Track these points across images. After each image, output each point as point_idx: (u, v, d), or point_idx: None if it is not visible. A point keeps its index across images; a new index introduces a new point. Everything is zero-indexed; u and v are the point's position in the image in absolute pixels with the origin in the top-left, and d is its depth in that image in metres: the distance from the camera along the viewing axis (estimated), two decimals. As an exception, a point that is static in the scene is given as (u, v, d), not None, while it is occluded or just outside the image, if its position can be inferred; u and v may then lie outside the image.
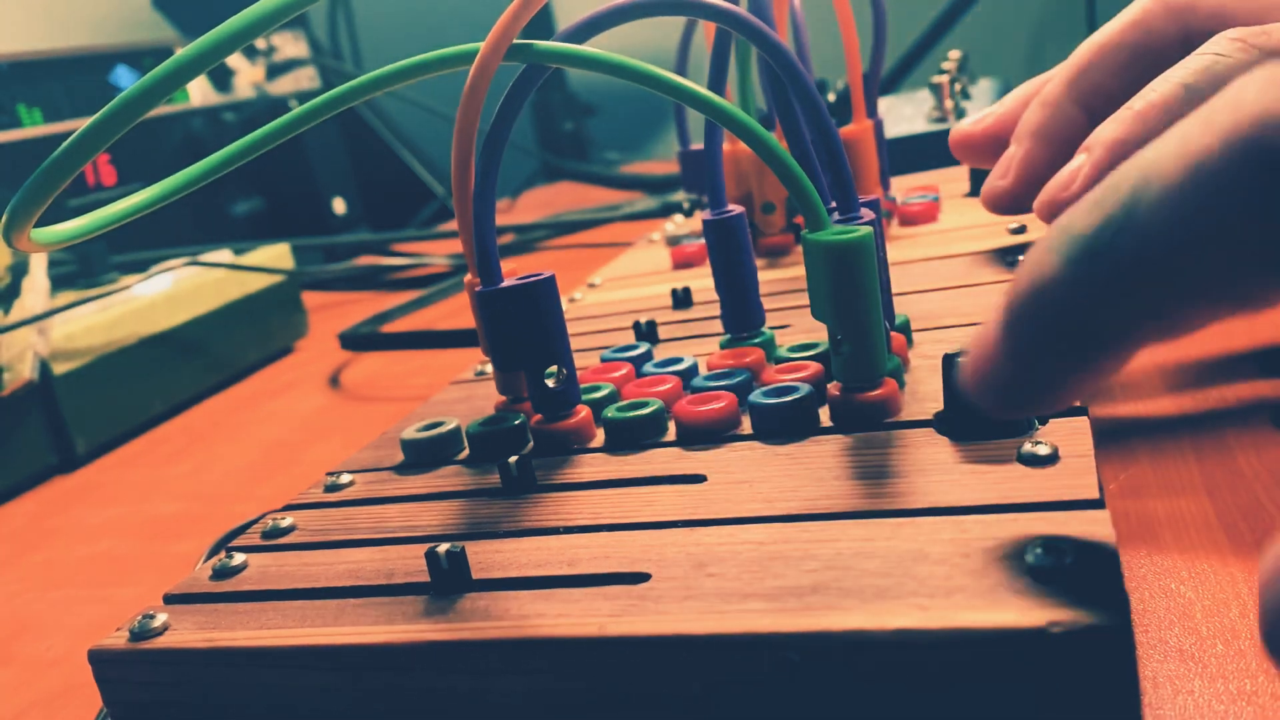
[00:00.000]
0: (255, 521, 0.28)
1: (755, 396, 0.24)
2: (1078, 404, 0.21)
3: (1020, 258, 0.17)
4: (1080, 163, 0.27)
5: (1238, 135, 0.13)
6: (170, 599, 0.23)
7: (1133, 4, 0.30)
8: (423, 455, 0.28)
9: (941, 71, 0.63)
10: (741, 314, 0.29)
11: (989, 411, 0.18)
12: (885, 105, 0.70)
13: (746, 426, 0.25)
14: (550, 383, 0.26)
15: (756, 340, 0.29)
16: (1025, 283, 0.16)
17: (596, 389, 0.28)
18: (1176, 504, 0.25)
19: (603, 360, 0.31)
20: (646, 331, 0.34)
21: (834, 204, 0.25)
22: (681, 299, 0.38)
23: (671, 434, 0.25)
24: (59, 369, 0.48)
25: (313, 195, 0.95)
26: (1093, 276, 0.15)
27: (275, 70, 0.96)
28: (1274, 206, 0.13)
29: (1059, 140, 0.31)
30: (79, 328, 0.50)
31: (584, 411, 0.26)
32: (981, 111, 0.38)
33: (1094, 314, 0.15)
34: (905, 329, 0.28)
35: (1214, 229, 0.13)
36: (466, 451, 0.28)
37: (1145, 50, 0.30)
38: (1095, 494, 0.18)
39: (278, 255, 0.64)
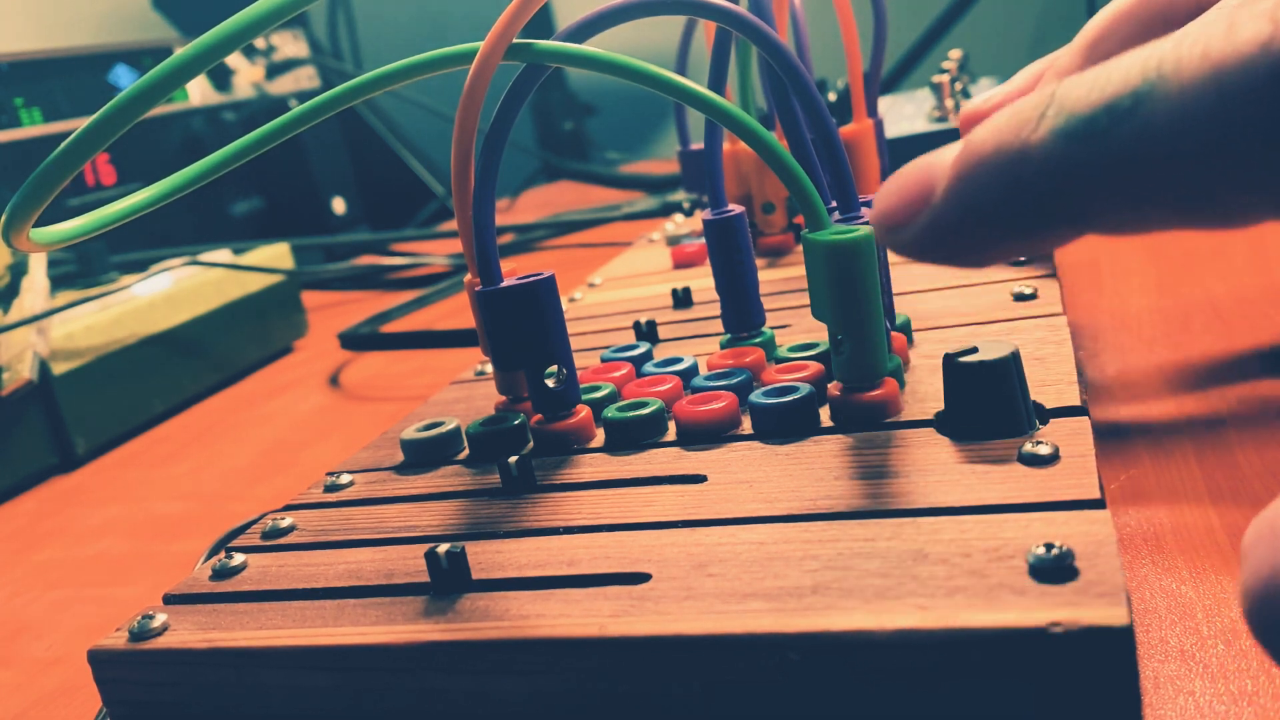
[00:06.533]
0: (255, 521, 0.28)
1: (755, 396, 0.24)
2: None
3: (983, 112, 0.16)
4: None
5: (1265, 50, 0.12)
6: (170, 599, 0.23)
7: None
8: (423, 455, 0.28)
9: (942, 71, 0.63)
10: (741, 314, 0.29)
11: (897, 250, 0.17)
12: (885, 105, 0.70)
13: (746, 426, 0.25)
14: (550, 383, 0.26)
15: (756, 340, 0.29)
16: (1003, 140, 0.15)
17: (596, 389, 0.28)
18: (1177, 503, 0.25)
19: (603, 360, 0.31)
20: (646, 331, 0.34)
21: (834, 204, 0.25)
22: (681, 299, 0.38)
23: (671, 434, 0.25)
24: (59, 369, 0.48)
25: (313, 195, 0.95)
26: (1081, 157, 0.14)
27: (275, 70, 0.96)
28: None
29: None
30: (79, 328, 0.50)
31: (584, 411, 0.26)
32: (991, 90, 0.37)
33: (1068, 193, 0.14)
34: (906, 329, 0.28)
35: (1221, 138, 0.13)
36: (466, 451, 0.28)
37: (1158, 19, 0.29)
38: (1096, 494, 0.18)
39: (277, 255, 0.64)
